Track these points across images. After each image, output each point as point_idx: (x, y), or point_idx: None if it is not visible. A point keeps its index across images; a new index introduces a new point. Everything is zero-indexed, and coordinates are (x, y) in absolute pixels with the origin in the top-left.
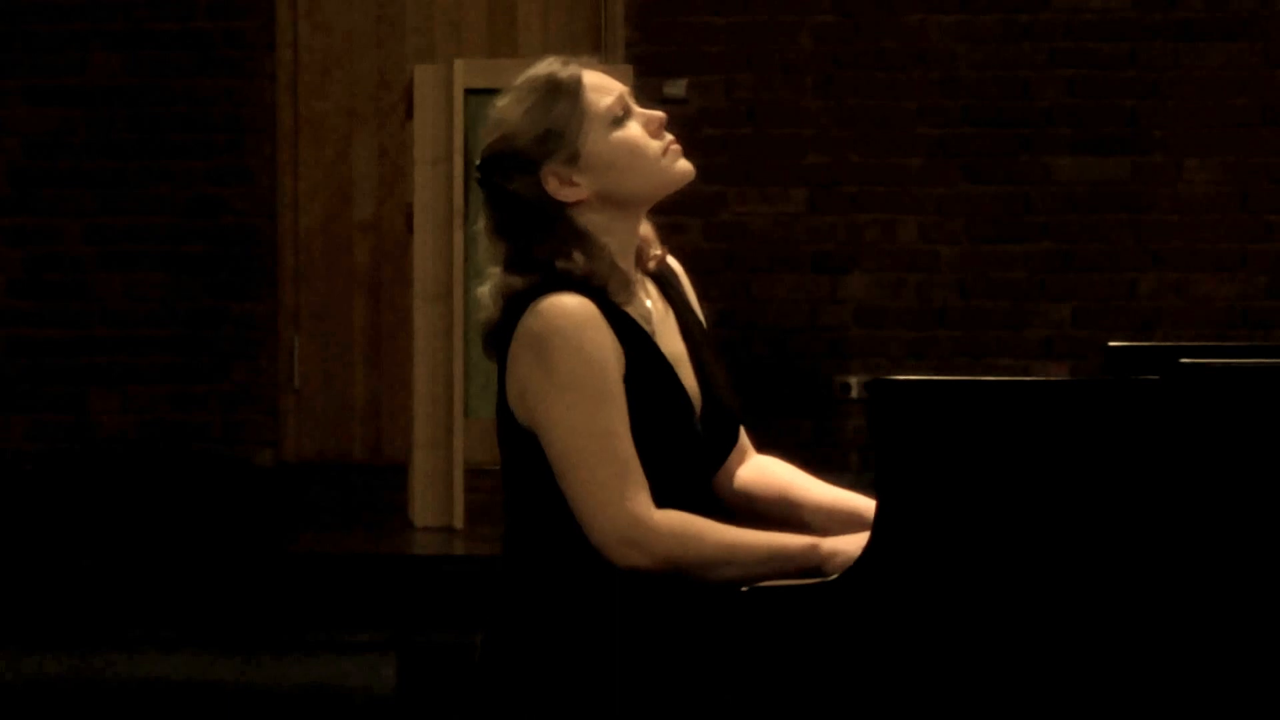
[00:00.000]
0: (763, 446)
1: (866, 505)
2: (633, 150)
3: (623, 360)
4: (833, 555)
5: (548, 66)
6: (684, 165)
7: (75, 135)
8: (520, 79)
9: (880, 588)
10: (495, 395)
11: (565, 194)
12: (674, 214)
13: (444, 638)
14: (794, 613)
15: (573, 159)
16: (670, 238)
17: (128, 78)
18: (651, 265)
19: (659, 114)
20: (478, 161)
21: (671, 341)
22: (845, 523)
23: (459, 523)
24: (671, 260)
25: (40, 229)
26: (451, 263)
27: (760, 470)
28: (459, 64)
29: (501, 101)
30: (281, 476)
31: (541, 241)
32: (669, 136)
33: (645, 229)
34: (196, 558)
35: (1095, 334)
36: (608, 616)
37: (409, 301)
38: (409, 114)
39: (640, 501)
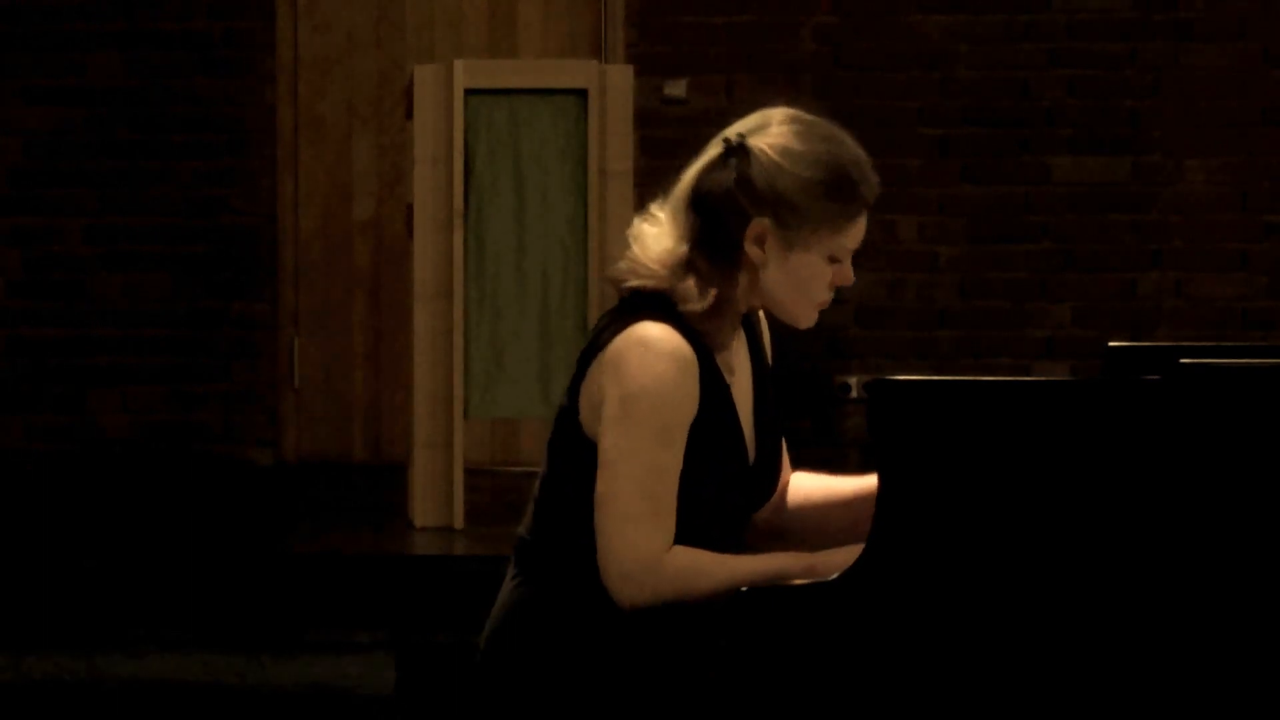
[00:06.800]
0: None
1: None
2: (808, 286)
3: (695, 408)
4: (829, 571)
5: (863, 161)
6: (812, 318)
7: (75, 135)
8: (839, 138)
9: (880, 588)
10: (563, 397)
11: (749, 249)
12: None
13: (444, 638)
14: (794, 613)
15: (784, 243)
16: None
17: (128, 78)
18: (744, 309)
19: (851, 277)
20: (736, 140)
21: (742, 389)
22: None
23: (459, 523)
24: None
25: (40, 229)
26: (451, 263)
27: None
28: (459, 64)
29: (804, 143)
30: (281, 476)
31: (710, 258)
32: (831, 296)
33: None
34: (197, 558)
35: (1095, 334)
36: (609, 617)
37: (409, 301)
38: (409, 114)
39: (657, 545)
